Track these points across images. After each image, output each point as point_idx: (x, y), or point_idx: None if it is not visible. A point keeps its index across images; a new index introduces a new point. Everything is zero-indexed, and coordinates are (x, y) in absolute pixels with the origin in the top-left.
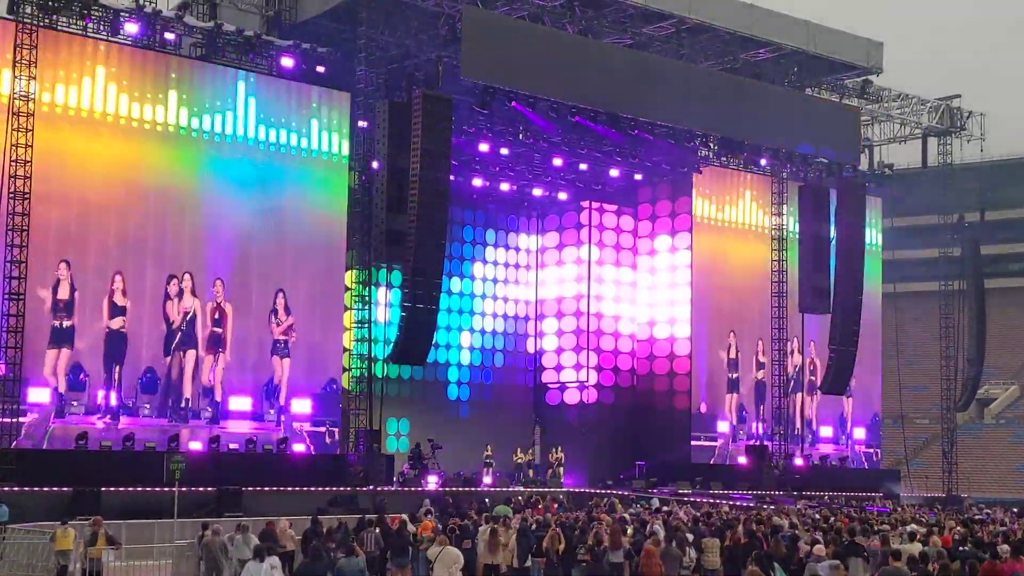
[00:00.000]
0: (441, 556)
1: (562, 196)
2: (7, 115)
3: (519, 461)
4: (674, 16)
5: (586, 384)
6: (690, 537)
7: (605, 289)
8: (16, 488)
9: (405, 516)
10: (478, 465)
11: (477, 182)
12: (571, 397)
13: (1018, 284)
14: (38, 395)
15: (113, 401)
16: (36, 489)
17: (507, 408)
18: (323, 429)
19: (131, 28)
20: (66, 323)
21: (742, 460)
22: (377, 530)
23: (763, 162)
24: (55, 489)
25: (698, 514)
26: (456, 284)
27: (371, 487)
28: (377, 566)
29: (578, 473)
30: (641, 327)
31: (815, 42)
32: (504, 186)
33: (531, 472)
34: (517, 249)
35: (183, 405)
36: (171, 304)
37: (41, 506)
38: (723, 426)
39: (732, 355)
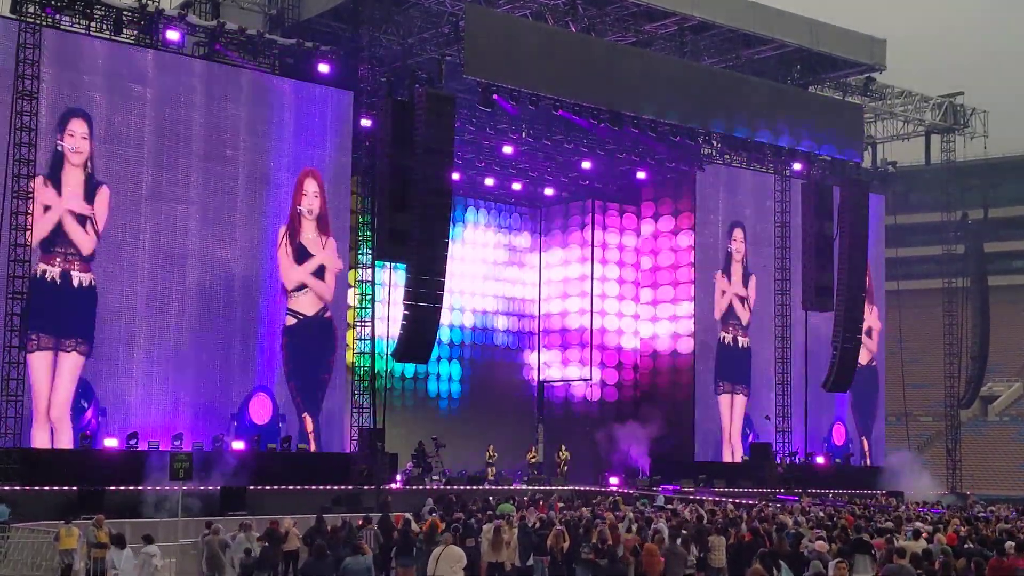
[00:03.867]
0: (444, 555)
1: (564, 194)
2: (11, 114)
3: (533, 461)
4: (677, 14)
5: (590, 382)
6: (684, 531)
7: (608, 287)
8: (21, 487)
9: (409, 515)
10: (481, 465)
11: (480, 180)
12: (575, 395)
13: (1022, 281)
14: None
15: None
16: (41, 488)
17: (509, 407)
18: None
19: (134, 27)
20: None
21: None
22: (377, 528)
23: (766, 160)
24: (60, 488)
25: (703, 512)
26: (459, 282)
27: (375, 486)
28: (379, 565)
29: (582, 472)
30: (645, 324)
31: (818, 40)
32: (506, 184)
33: (534, 472)
34: (518, 249)
35: None
36: None
37: (45, 505)
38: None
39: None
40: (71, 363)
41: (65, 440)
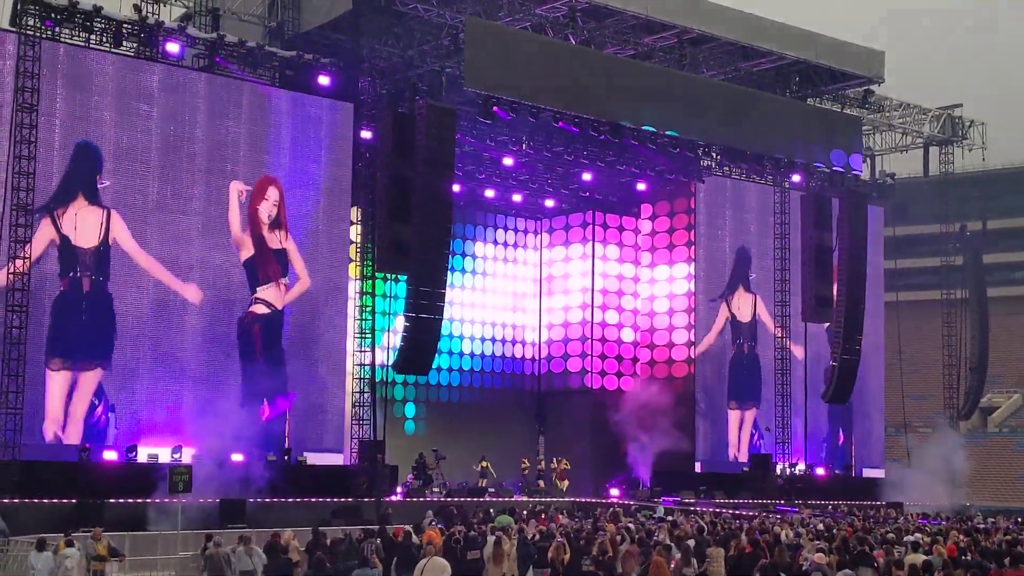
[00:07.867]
0: (428, 567)
1: (565, 206)
2: (11, 126)
3: (526, 471)
4: (676, 27)
5: (590, 392)
6: (691, 543)
7: (608, 299)
8: (20, 499)
9: (409, 527)
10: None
11: (480, 192)
12: (575, 406)
13: (1020, 292)
14: None
15: None
16: (39, 501)
17: (509, 418)
18: None
19: (134, 40)
20: None
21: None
22: (379, 540)
23: (765, 172)
24: (58, 501)
25: (703, 523)
26: (458, 294)
27: (375, 498)
28: None
29: (582, 482)
30: (645, 335)
31: (817, 52)
32: (506, 196)
33: (541, 482)
34: (518, 261)
35: None
36: None
37: (44, 518)
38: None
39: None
40: (87, 377)
41: (66, 453)
